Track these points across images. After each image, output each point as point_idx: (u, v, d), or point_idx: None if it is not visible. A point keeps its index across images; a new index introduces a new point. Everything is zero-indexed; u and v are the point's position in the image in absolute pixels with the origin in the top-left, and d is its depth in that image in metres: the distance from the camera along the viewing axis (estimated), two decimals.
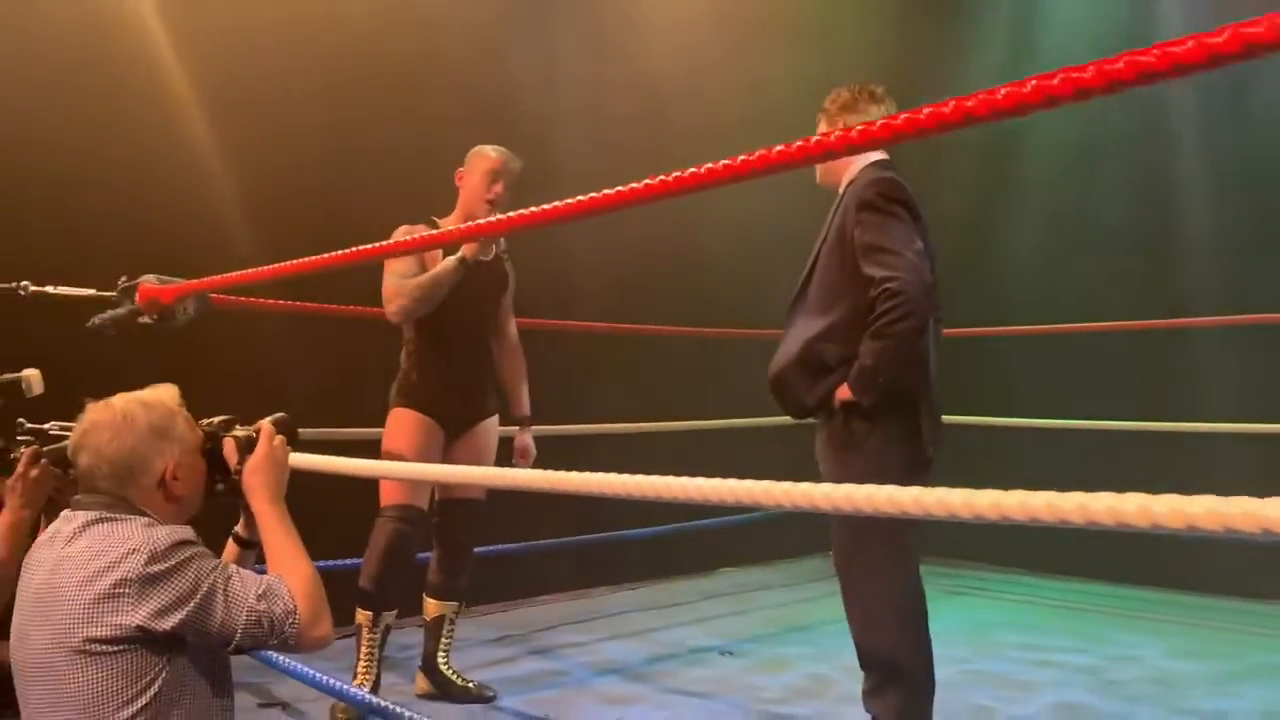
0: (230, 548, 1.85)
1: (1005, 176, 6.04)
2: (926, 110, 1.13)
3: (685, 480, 1.41)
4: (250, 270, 2.96)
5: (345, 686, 2.77)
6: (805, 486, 1.26)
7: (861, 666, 2.66)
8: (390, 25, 4.65)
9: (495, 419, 3.54)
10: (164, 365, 3.26)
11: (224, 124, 4.17)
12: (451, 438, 3.40)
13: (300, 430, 3.87)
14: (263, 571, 1.68)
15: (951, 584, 5.27)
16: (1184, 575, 4.94)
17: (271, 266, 2.98)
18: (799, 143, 1.31)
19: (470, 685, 3.44)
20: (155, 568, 1.50)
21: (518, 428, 3.60)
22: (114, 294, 3.18)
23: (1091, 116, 5.45)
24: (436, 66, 4.76)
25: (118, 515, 1.58)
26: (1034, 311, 5.41)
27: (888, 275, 2.46)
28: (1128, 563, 5.08)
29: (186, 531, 1.60)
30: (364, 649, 3.25)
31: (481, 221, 2.91)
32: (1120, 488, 0.99)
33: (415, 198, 3.61)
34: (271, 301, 3.82)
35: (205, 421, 1.79)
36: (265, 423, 1.82)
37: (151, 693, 1.50)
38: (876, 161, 2.70)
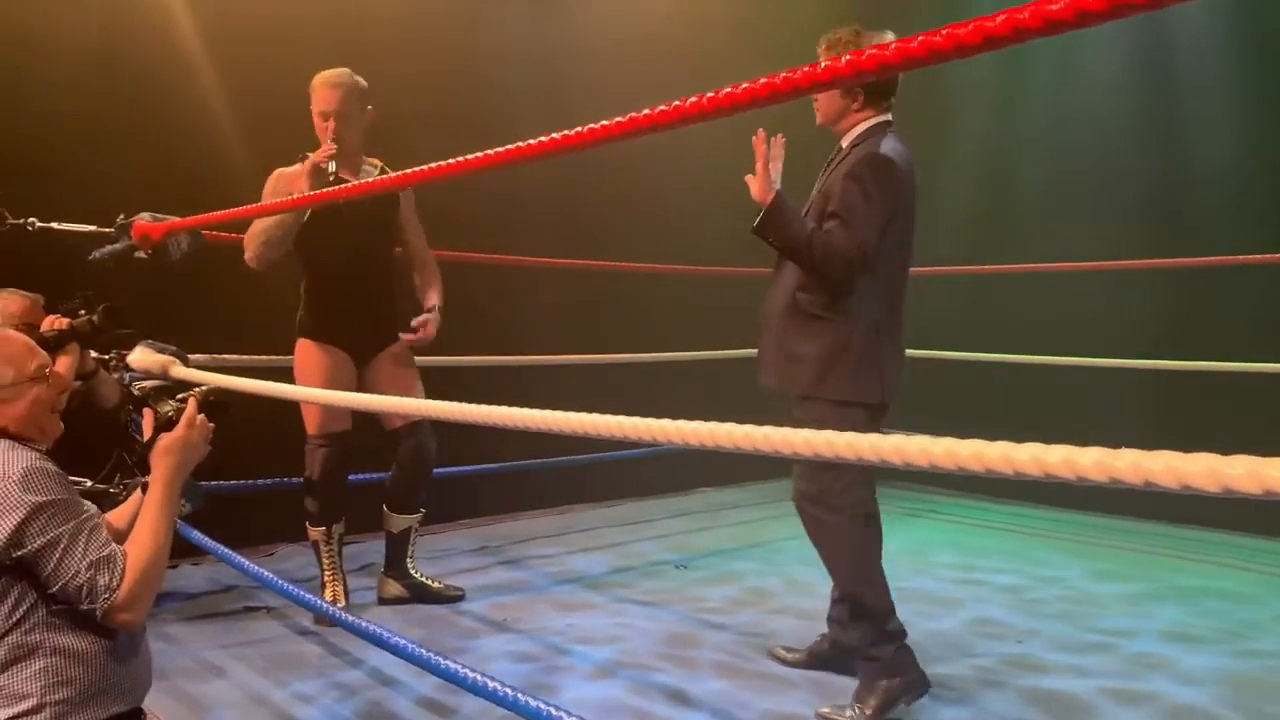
0: (138, 496, 1.93)
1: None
2: (919, 39, 1.09)
3: (654, 421, 1.45)
4: (234, 209, 3.24)
5: (314, 599, 3.06)
6: (760, 430, 1.33)
7: (842, 599, 2.99)
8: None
9: (403, 343, 3.68)
10: (152, 295, 3.60)
11: (230, 68, 4.43)
12: (361, 364, 3.64)
13: (258, 356, 4.14)
14: None
15: (905, 506, 5.62)
16: (1118, 500, 5.24)
17: (248, 207, 3.26)
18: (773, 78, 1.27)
19: (440, 586, 3.81)
20: (8, 498, 1.61)
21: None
22: (112, 230, 3.48)
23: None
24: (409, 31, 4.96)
25: None
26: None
27: (844, 238, 2.72)
28: (1064, 488, 5.35)
29: (42, 461, 1.69)
30: (325, 561, 3.63)
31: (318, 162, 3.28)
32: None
33: (383, 145, 3.82)
34: None
35: (138, 386, 1.92)
36: (191, 401, 1.88)
37: (17, 615, 1.62)
38: (880, 124, 2.86)
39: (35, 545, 1.60)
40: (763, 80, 1.28)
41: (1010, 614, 3.79)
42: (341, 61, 3.61)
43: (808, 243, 2.73)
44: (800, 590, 4.04)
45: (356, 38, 4.62)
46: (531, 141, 1.68)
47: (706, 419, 1.51)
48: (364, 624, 2.75)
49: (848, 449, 1.20)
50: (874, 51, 1.17)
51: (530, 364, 4.96)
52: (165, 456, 1.83)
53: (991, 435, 1.11)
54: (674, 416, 1.56)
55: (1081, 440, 1.03)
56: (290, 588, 3.14)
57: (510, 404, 1.75)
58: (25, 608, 1.63)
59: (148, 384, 1.95)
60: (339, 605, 3.47)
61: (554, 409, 1.65)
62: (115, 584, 1.64)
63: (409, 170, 2.13)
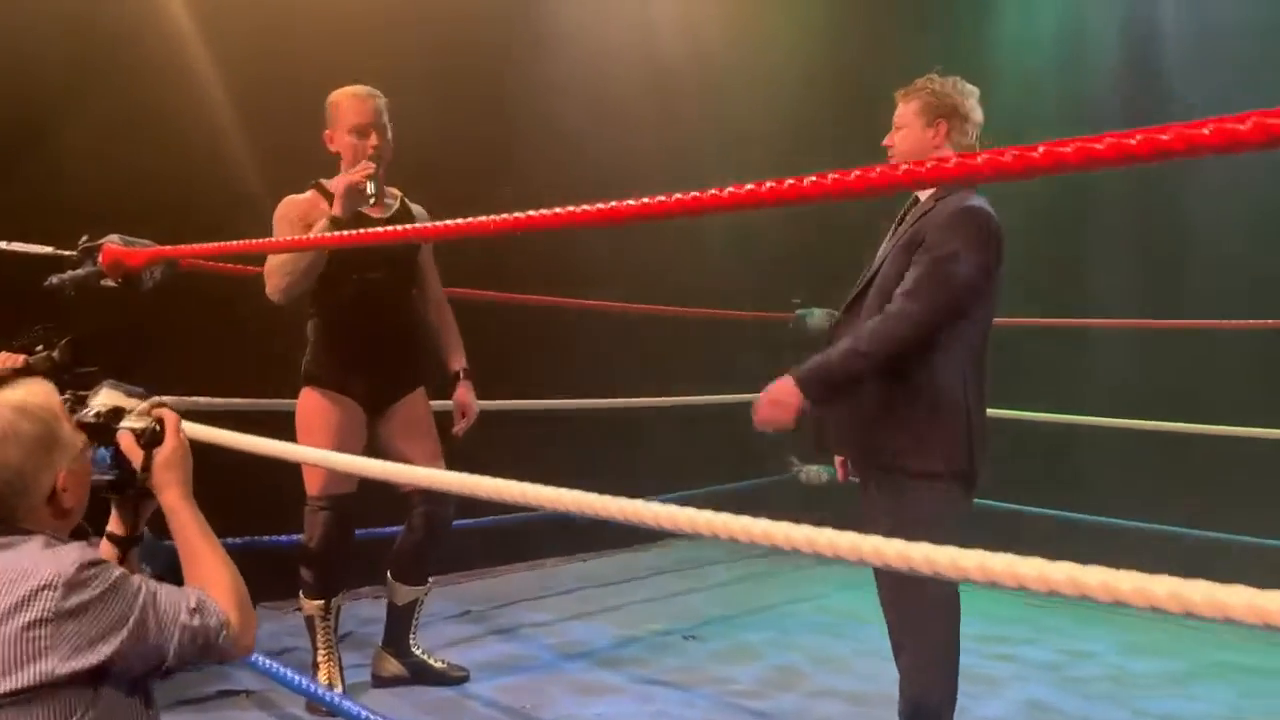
0: (106, 547, 1.64)
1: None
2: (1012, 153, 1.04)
3: (679, 510, 1.34)
4: (223, 244, 2.80)
5: (316, 687, 2.68)
6: (809, 532, 1.19)
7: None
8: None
9: (421, 391, 3.33)
10: (107, 323, 3.10)
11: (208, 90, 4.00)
12: (373, 414, 3.21)
13: (237, 399, 3.67)
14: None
15: None
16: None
17: (241, 243, 2.80)
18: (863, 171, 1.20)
19: (443, 665, 3.40)
20: (72, 601, 1.32)
21: (458, 384, 3.33)
22: (73, 254, 2.99)
23: None
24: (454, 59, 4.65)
25: (8, 540, 1.38)
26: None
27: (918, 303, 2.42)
28: None
29: (90, 550, 1.41)
30: (320, 637, 3.15)
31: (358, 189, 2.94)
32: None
33: (422, 181, 3.44)
34: (238, 267, 3.62)
35: (93, 413, 1.56)
36: (166, 412, 1.60)
37: None
38: None
39: (124, 632, 1.36)
40: (855, 172, 1.19)
41: (1056, 695, 3.57)
42: (350, 74, 3.21)
43: (870, 338, 2.40)
44: (831, 668, 3.73)
45: (369, 51, 4.20)
46: (589, 208, 1.52)
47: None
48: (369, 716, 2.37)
49: (924, 563, 1.09)
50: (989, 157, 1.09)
51: (550, 408, 4.57)
52: (170, 472, 1.57)
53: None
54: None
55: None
56: (282, 670, 2.72)
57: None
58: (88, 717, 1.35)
59: (97, 409, 1.60)
60: (336, 691, 3.02)
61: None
62: (225, 618, 1.48)
63: (467, 220, 1.77)
